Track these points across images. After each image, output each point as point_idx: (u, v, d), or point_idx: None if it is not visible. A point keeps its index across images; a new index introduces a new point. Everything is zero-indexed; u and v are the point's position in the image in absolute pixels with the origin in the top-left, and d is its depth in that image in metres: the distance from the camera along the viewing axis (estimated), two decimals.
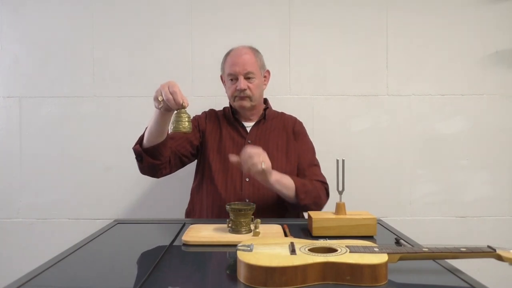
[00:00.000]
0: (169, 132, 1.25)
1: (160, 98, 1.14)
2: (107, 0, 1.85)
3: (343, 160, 1.08)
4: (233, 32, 1.84)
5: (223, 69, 1.55)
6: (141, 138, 1.34)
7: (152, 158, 1.33)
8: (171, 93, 1.12)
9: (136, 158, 1.35)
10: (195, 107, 1.76)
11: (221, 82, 1.60)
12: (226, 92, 1.55)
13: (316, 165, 1.53)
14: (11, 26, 1.85)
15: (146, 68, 1.85)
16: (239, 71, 1.45)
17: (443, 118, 1.86)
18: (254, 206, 1.05)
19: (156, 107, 1.20)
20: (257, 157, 1.17)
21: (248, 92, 1.46)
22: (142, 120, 1.83)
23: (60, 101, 1.85)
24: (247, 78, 1.47)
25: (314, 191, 1.37)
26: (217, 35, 1.85)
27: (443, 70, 1.86)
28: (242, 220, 1.02)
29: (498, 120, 1.86)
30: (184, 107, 1.14)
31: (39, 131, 1.85)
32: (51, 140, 1.85)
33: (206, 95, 1.84)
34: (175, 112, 1.15)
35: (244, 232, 1.02)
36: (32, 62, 1.85)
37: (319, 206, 1.40)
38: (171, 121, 1.15)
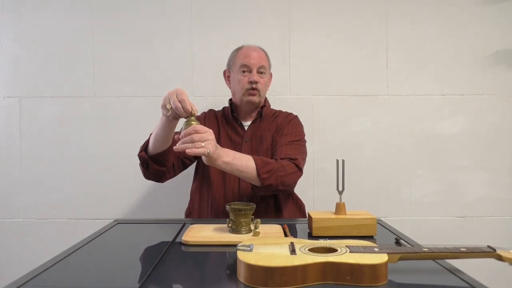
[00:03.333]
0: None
1: (168, 106, 1.13)
2: (107, 0, 1.85)
3: (343, 160, 1.08)
4: (233, 32, 1.84)
5: (232, 62, 1.52)
6: (146, 144, 1.33)
7: (158, 165, 1.32)
8: (179, 101, 1.11)
9: (142, 165, 1.34)
10: None
11: (224, 79, 1.58)
12: (234, 86, 1.52)
13: (292, 142, 1.42)
14: (11, 26, 1.85)
15: (146, 68, 1.85)
16: (254, 63, 1.47)
17: (443, 118, 1.87)
18: (254, 206, 1.05)
19: (164, 115, 1.18)
20: (198, 137, 1.09)
21: (259, 86, 1.47)
22: (142, 120, 1.85)
23: (60, 101, 1.85)
24: (259, 72, 1.48)
25: (279, 169, 1.28)
26: (217, 35, 1.85)
27: (443, 70, 1.86)
28: (242, 220, 1.02)
29: (498, 120, 1.86)
30: (193, 115, 1.12)
31: (39, 131, 1.85)
32: (51, 140, 1.85)
33: (206, 95, 1.84)
34: (185, 120, 1.13)
35: (244, 232, 1.02)
36: (32, 62, 1.85)
37: (288, 186, 1.33)
38: (181, 129, 1.12)
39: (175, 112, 1.13)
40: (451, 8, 1.86)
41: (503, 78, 1.86)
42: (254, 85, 1.46)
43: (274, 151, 1.43)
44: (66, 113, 1.85)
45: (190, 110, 1.11)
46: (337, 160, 1.09)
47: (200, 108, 1.65)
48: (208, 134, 1.12)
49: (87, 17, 1.85)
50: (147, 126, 1.83)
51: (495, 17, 1.85)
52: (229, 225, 1.04)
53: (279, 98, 1.81)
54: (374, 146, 1.86)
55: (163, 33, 1.85)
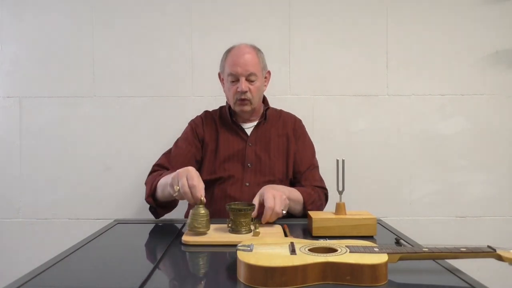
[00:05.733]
0: (187, 229, 1.04)
1: (176, 188, 1.05)
2: (107, 0, 1.85)
3: (343, 160, 1.08)
4: (233, 32, 1.84)
5: (222, 67, 1.49)
6: (153, 189, 1.27)
7: (166, 209, 1.32)
8: (189, 186, 1.04)
9: (150, 209, 1.33)
10: (195, 107, 1.77)
11: (220, 81, 1.57)
12: (225, 92, 1.51)
13: (316, 167, 1.50)
14: (11, 26, 1.85)
15: (146, 68, 1.85)
16: (241, 72, 1.39)
17: (443, 118, 1.86)
18: (255, 206, 1.05)
19: (171, 194, 1.12)
20: (278, 203, 1.10)
21: (248, 94, 1.40)
22: (142, 120, 1.85)
23: (60, 101, 1.85)
24: (248, 80, 1.40)
25: (318, 200, 1.37)
26: (217, 35, 1.85)
27: (443, 70, 1.86)
28: (242, 220, 1.02)
29: (498, 120, 1.86)
30: (202, 203, 1.03)
31: (39, 131, 1.85)
32: (51, 140, 1.85)
33: (206, 95, 1.84)
34: (192, 209, 1.03)
35: (244, 232, 1.02)
36: (32, 62, 1.85)
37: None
38: (188, 218, 1.02)
39: (182, 196, 1.06)
40: (451, 8, 1.85)
41: (503, 78, 1.86)
42: (243, 96, 1.40)
43: (298, 165, 1.45)
44: (66, 113, 1.85)
45: (200, 198, 1.03)
46: (337, 160, 1.09)
47: (200, 108, 1.66)
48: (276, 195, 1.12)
49: (87, 17, 1.85)
50: (147, 126, 1.85)
51: (495, 17, 1.85)
52: (229, 225, 1.04)
53: (279, 98, 1.81)
54: (374, 146, 1.86)
55: (163, 33, 1.85)
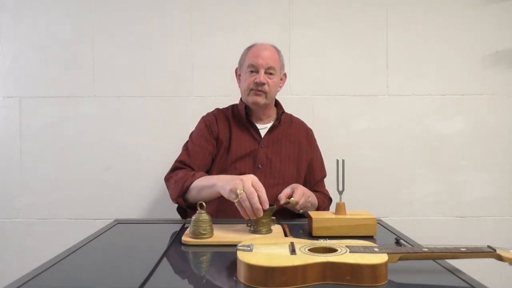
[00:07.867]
0: (190, 235, 1.00)
1: (239, 191, 1.00)
2: (107, 0, 1.85)
3: (343, 160, 1.08)
4: (233, 32, 1.84)
5: (242, 61, 1.49)
6: (184, 189, 1.26)
7: (194, 210, 1.31)
8: (252, 203, 0.99)
9: (177, 209, 1.33)
10: (195, 107, 1.77)
11: (236, 77, 1.55)
12: (240, 85, 1.50)
13: (325, 176, 1.59)
14: (11, 26, 1.85)
15: (146, 68, 1.85)
16: (262, 64, 1.40)
17: (443, 118, 1.87)
18: (274, 207, 1.05)
19: (209, 196, 1.18)
20: (302, 202, 1.23)
21: (266, 87, 1.41)
22: (142, 120, 1.85)
23: (60, 101, 1.85)
24: (267, 73, 1.41)
25: (327, 207, 1.50)
26: (217, 35, 1.85)
27: (443, 70, 1.86)
28: (264, 220, 1.02)
29: (498, 120, 1.86)
30: (272, 211, 1.03)
31: (39, 131, 1.85)
32: (51, 140, 1.85)
33: (206, 95, 1.84)
34: (194, 215, 1.01)
35: (264, 232, 1.03)
36: (32, 62, 1.85)
37: None
38: (190, 225, 1.00)
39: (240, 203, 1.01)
40: (451, 8, 1.85)
41: (503, 78, 1.86)
42: (260, 87, 1.41)
43: (315, 173, 1.52)
44: (66, 113, 1.85)
45: (261, 208, 0.99)
46: (337, 160, 1.09)
47: (200, 108, 1.66)
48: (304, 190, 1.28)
49: (87, 17, 1.85)
50: (147, 126, 1.85)
51: (495, 17, 1.85)
52: (249, 225, 1.05)
53: (279, 98, 1.80)
54: (374, 146, 1.86)
55: (163, 33, 1.85)
